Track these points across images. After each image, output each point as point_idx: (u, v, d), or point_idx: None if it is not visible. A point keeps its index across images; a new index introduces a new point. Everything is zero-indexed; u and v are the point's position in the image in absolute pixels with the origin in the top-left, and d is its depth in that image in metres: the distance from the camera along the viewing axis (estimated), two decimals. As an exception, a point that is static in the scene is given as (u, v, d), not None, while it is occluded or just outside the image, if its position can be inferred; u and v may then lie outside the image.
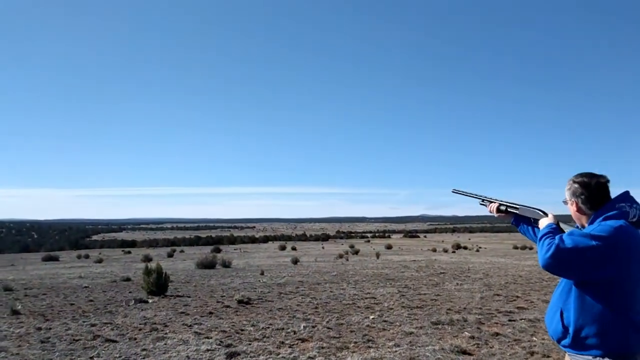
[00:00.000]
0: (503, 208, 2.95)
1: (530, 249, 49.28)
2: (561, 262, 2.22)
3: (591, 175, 2.48)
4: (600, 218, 2.34)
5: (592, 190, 2.43)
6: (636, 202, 2.41)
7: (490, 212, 3.01)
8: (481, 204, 3.13)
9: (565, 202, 2.58)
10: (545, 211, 2.72)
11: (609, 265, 2.19)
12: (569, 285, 2.35)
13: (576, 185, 2.48)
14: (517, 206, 2.87)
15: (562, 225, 2.54)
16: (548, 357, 5.66)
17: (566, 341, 2.34)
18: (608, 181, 2.46)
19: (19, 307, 9.79)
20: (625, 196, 2.41)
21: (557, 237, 2.29)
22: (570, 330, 2.30)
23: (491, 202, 3.03)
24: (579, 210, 2.48)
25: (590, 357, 2.25)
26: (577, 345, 2.30)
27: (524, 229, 2.88)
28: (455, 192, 3.32)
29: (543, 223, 2.60)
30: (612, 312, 2.21)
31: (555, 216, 2.63)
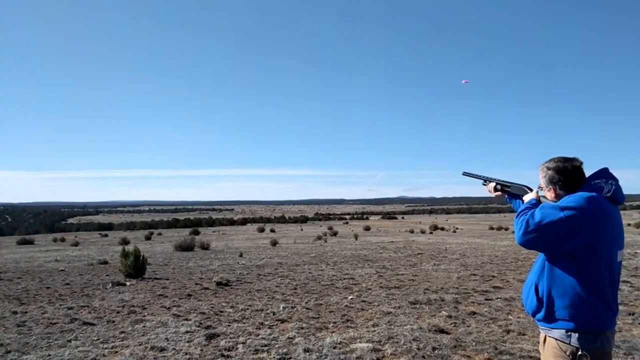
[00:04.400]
0: (499, 187, 2.99)
1: (506, 229, 50.10)
2: (533, 237, 2.23)
3: (565, 160, 2.45)
4: (569, 196, 2.33)
5: (569, 175, 2.41)
6: (613, 178, 2.39)
7: (489, 191, 3.03)
8: (483, 185, 3.16)
9: (541, 188, 2.56)
10: (530, 187, 2.73)
11: (579, 235, 2.20)
12: (542, 261, 2.36)
13: (551, 172, 2.46)
14: (509, 184, 2.93)
15: (542, 200, 2.53)
16: (524, 335, 5.77)
17: (540, 314, 2.35)
18: (582, 163, 2.44)
19: (-7, 291, 9.64)
20: (602, 172, 2.39)
21: (529, 212, 2.30)
22: (544, 302, 2.31)
23: (491, 181, 3.06)
24: (557, 196, 2.44)
25: (563, 331, 2.26)
26: (550, 318, 2.31)
27: (516, 205, 2.87)
28: (465, 174, 3.28)
29: (525, 199, 2.61)
30: (584, 286, 2.22)
31: (538, 192, 2.61)
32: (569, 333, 2.24)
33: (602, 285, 2.24)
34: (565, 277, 2.25)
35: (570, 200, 2.25)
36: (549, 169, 2.47)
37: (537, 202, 2.46)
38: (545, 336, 2.37)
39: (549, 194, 2.49)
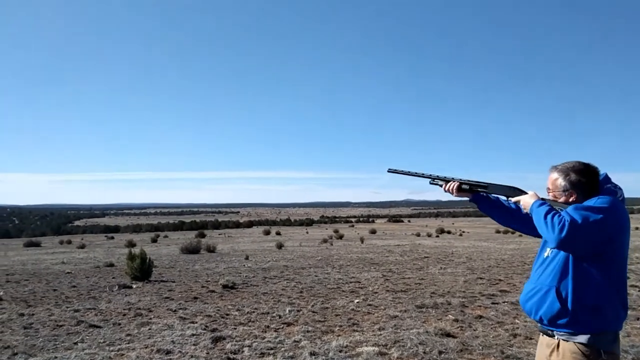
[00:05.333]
0: (466, 187, 2.71)
1: (512, 233, 49.80)
2: (577, 237, 2.14)
3: (585, 164, 2.38)
4: (595, 198, 2.28)
5: (593, 180, 2.36)
6: (616, 183, 2.39)
7: (448, 191, 2.78)
8: (432, 184, 2.84)
9: (549, 190, 2.47)
10: (521, 188, 2.57)
11: (613, 236, 2.20)
12: (562, 264, 2.28)
13: (576, 176, 2.37)
14: (485, 184, 2.68)
15: (547, 201, 2.42)
16: (531, 339, 5.72)
17: (563, 320, 2.25)
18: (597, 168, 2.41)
19: (1, 293, 9.68)
20: (608, 178, 2.38)
21: (564, 213, 2.21)
22: (569, 307, 2.23)
23: (447, 180, 2.78)
24: (577, 200, 2.35)
25: (588, 335, 2.20)
26: (576, 322, 2.23)
27: (484, 208, 2.74)
28: (391, 171, 2.97)
29: (528, 200, 2.46)
30: (610, 287, 2.21)
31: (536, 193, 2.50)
32: (596, 335, 2.21)
33: (623, 286, 2.27)
34: (592, 278, 2.22)
35: (602, 202, 2.22)
36: (573, 171, 2.38)
37: (550, 205, 2.33)
38: (559, 342, 2.30)
39: (565, 199, 2.40)
